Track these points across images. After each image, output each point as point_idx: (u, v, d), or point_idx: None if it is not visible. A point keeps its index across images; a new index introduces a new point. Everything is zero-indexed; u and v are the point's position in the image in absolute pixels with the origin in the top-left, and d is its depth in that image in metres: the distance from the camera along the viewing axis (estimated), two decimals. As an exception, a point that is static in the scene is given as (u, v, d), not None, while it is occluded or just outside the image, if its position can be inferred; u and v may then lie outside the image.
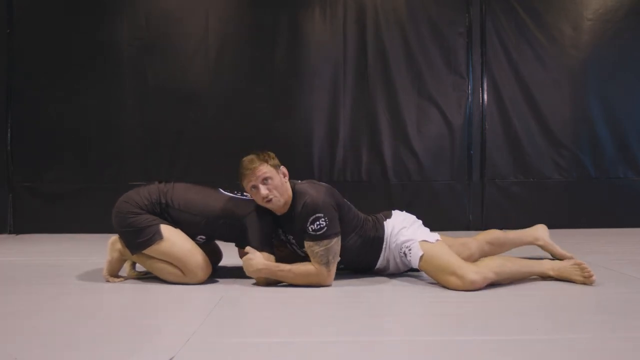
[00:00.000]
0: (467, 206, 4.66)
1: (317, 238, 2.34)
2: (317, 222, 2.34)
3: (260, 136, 4.42)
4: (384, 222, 2.59)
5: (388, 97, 4.63)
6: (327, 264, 2.36)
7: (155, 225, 2.47)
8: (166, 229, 2.48)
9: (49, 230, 4.46)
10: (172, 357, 1.54)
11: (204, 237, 2.58)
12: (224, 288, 2.44)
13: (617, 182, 4.69)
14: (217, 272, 2.69)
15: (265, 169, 2.40)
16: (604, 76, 4.66)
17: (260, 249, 2.42)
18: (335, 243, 2.38)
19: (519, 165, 4.67)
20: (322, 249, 2.34)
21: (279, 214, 2.47)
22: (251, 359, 1.58)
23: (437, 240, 2.51)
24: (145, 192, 2.54)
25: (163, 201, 2.52)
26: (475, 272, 2.34)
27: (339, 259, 2.43)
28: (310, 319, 1.97)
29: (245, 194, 2.58)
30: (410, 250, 2.47)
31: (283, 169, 2.48)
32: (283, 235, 2.57)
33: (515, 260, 2.52)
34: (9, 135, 4.57)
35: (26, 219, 4.57)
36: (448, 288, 2.35)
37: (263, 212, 2.47)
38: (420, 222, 2.66)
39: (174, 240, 2.47)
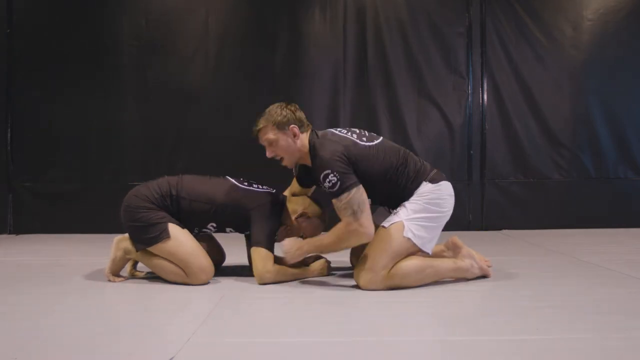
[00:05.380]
0: (467, 206, 4.66)
1: (334, 195, 2.31)
2: (328, 179, 2.30)
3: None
4: (423, 182, 2.45)
5: (388, 97, 4.63)
6: (353, 214, 2.30)
7: (163, 223, 2.48)
8: (174, 229, 2.49)
9: (49, 230, 4.47)
10: (172, 357, 1.54)
11: (214, 224, 2.60)
12: (224, 288, 2.45)
13: (617, 182, 4.69)
14: (218, 272, 2.69)
15: (267, 134, 2.42)
16: (604, 76, 4.66)
17: (264, 245, 2.44)
18: (355, 193, 2.30)
19: (519, 165, 4.67)
20: (343, 203, 2.30)
21: (309, 164, 2.47)
22: (251, 359, 1.57)
23: (416, 244, 2.37)
24: (154, 186, 2.57)
25: (174, 193, 2.54)
26: (381, 281, 2.33)
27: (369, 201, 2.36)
28: (310, 319, 1.97)
29: (254, 184, 2.62)
30: (395, 214, 2.42)
31: (293, 128, 2.43)
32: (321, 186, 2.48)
33: (430, 269, 2.44)
34: (9, 135, 4.57)
35: (26, 219, 4.56)
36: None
37: (271, 209, 2.51)
38: (438, 216, 2.46)
39: (181, 240, 2.48)
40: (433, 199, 2.43)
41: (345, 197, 2.29)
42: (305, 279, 2.57)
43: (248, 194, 2.55)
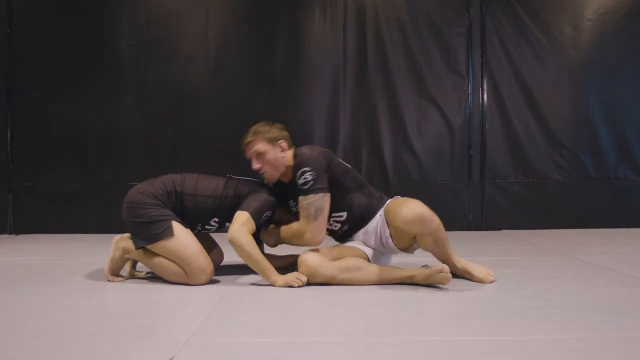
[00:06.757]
0: (467, 206, 4.66)
1: (304, 192, 2.42)
2: (304, 176, 2.40)
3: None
4: (386, 200, 2.61)
5: (388, 97, 4.63)
6: (308, 217, 2.41)
7: (167, 220, 2.48)
8: (177, 227, 2.49)
9: (49, 230, 4.47)
10: (172, 357, 1.54)
11: (217, 219, 2.61)
12: (224, 288, 2.45)
13: (617, 182, 4.69)
14: (218, 272, 2.69)
15: (257, 146, 2.54)
16: (604, 76, 4.67)
17: (249, 211, 2.45)
18: (320, 198, 2.41)
19: (519, 165, 4.68)
20: (307, 202, 2.41)
21: (285, 181, 2.59)
22: (251, 359, 1.58)
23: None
24: (159, 183, 2.59)
25: (178, 190, 2.57)
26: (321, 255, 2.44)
27: (329, 215, 2.49)
28: (310, 319, 1.97)
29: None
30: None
31: (282, 143, 2.55)
32: (294, 205, 2.61)
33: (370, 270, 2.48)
34: (9, 135, 4.58)
35: (26, 219, 4.57)
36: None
37: (266, 192, 2.56)
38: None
39: (183, 239, 2.48)
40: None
41: (311, 197, 2.41)
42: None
43: (249, 182, 2.63)
